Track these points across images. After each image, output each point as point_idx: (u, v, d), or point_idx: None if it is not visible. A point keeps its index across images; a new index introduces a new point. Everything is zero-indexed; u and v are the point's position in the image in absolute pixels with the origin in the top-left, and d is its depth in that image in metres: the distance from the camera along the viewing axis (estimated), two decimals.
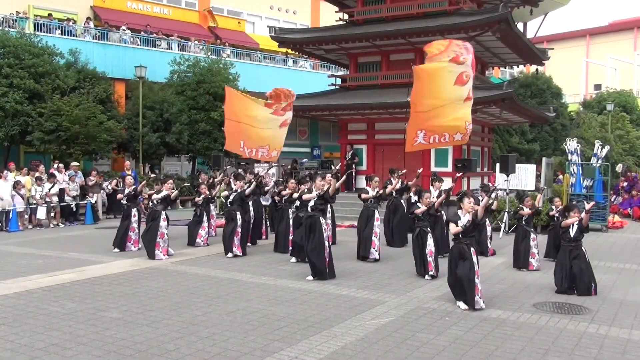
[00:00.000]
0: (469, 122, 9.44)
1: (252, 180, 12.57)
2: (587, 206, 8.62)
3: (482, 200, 8.66)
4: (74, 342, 5.95)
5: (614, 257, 11.78)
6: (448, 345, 6.03)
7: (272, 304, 7.55)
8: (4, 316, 6.87)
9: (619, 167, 18.86)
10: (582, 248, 8.62)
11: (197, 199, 13.06)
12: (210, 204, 13.56)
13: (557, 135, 30.48)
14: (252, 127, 12.75)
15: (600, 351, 5.93)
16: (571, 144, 17.80)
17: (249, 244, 11.96)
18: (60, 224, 16.30)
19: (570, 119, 33.70)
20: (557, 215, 10.67)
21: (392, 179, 12.87)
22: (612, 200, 19.01)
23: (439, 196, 10.81)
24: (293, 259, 10.72)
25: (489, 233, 11.80)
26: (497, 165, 16.33)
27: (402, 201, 12.61)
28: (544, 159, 18.26)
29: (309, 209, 9.45)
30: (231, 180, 12.82)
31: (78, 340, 5.99)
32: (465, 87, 9.29)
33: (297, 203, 10.31)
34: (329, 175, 10.11)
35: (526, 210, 10.47)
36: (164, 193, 11.13)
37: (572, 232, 8.64)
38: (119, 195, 12.43)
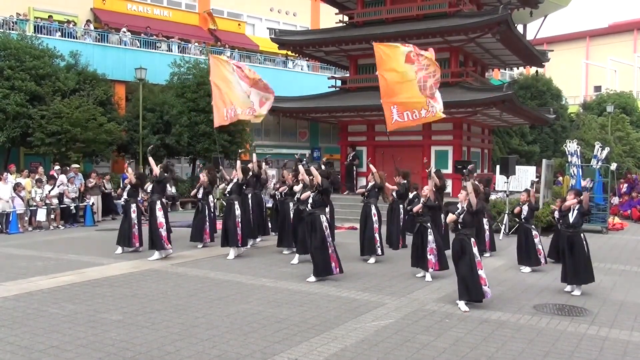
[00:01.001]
0: (430, 101, 10.83)
1: (250, 167, 12.56)
2: (583, 182, 8.61)
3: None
4: (73, 344, 5.95)
5: (614, 258, 11.78)
6: (448, 347, 6.03)
7: (272, 306, 7.55)
8: (3, 318, 6.87)
9: (613, 166, 18.83)
10: (581, 236, 8.53)
11: (193, 192, 13.06)
12: (210, 196, 13.48)
13: (557, 137, 30.48)
14: (228, 90, 12.75)
15: (601, 353, 5.93)
16: (571, 146, 17.79)
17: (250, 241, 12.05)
18: (60, 226, 16.31)
19: (571, 120, 33.70)
20: (556, 217, 10.67)
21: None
22: (612, 202, 19.00)
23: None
24: (294, 260, 10.73)
25: (487, 231, 11.80)
26: (497, 167, 16.35)
27: (400, 206, 12.60)
28: (544, 160, 18.23)
29: (309, 206, 9.47)
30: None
31: (78, 343, 5.99)
32: (413, 66, 10.84)
33: (298, 195, 10.47)
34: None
35: (518, 208, 10.57)
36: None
37: (572, 217, 8.56)
38: (119, 191, 12.51)
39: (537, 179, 12.00)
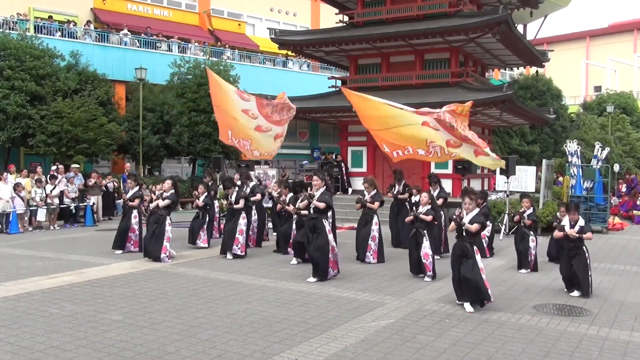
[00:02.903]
0: (432, 143, 10.15)
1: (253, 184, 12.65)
2: (560, 226, 8.77)
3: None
4: (73, 344, 5.95)
5: (614, 258, 11.78)
6: (448, 347, 6.02)
7: (272, 306, 7.55)
8: (4, 318, 6.87)
9: (616, 167, 18.85)
10: (583, 248, 8.58)
11: (195, 202, 13.03)
12: (214, 202, 13.43)
13: (557, 137, 30.49)
14: (235, 119, 12.78)
15: (601, 353, 5.93)
16: (571, 146, 17.81)
17: (252, 246, 11.98)
18: (60, 226, 16.29)
19: (571, 120, 33.72)
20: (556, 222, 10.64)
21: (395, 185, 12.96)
22: (611, 202, 19.01)
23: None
24: (294, 261, 10.71)
25: (487, 233, 11.80)
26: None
27: (406, 203, 12.60)
28: (544, 160, 18.25)
29: (311, 210, 9.48)
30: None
31: (78, 343, 5.99)
32: (420, 116, 10.12)
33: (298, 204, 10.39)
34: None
35: (517, 217, 10.66)
36: (166, 202, 11.01)
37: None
38: (123, 193, 12.53)
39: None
